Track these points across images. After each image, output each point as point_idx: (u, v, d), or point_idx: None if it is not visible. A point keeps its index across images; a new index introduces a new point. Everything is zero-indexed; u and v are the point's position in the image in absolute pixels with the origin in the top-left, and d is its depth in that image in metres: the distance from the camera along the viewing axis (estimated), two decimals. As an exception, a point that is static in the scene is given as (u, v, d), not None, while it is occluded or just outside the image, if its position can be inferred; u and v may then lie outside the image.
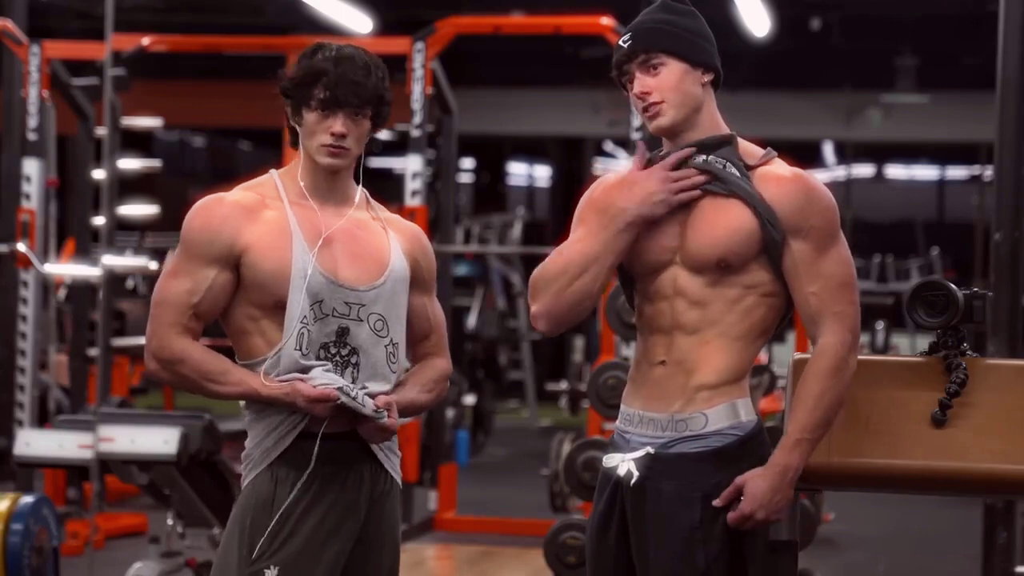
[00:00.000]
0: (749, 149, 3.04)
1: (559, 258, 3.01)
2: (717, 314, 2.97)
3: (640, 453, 2.99)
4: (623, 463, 3.00)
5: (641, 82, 3.01)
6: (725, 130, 3.05)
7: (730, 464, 2.95)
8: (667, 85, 3.00)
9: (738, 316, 2.98)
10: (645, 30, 3.04)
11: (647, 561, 2.99)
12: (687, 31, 3.03)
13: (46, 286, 8.57)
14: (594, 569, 3.10)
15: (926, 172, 19.07)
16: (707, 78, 3.03)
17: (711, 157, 3.00)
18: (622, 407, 3.08)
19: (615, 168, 2.81)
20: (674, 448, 2.96)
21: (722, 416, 2.96)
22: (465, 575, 7.41)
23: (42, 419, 7.88)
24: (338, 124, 3.07)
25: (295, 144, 3.16)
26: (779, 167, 3.01)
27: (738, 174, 2.98)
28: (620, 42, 3.05)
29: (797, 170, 3.02)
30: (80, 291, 8.60)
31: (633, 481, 2.98)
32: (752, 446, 2.98)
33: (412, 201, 7.81)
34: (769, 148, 3.05)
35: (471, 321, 12.78)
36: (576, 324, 3.13)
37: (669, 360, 2.99)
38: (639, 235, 3.00)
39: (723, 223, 2.96)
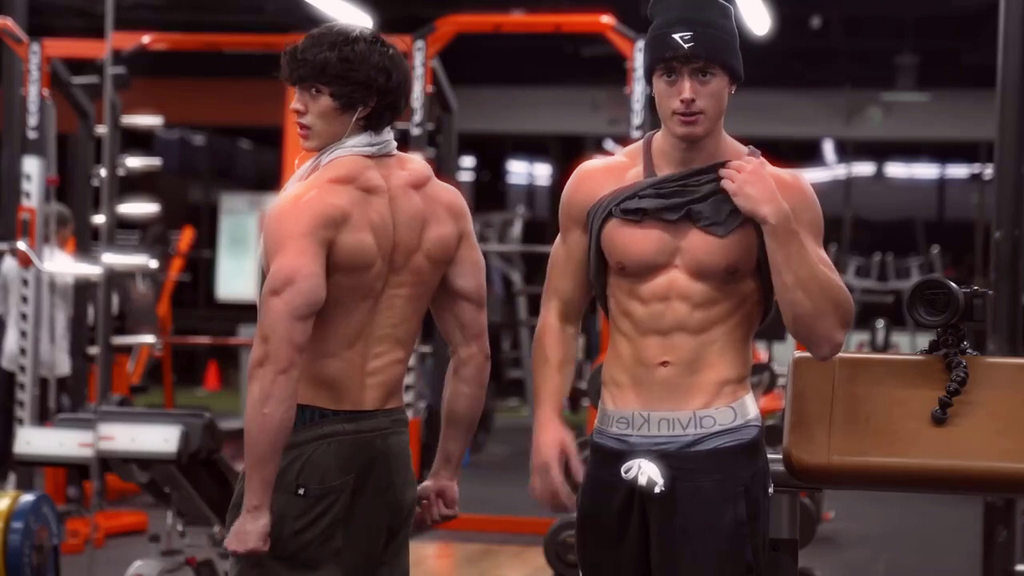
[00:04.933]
0: (734, 147, 3.01)
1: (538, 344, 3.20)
2: (723, 315, 2.96)
3: (649, 461, 2.95)
4: (642, 474, 2.94)
5: (691, 87, 2.92)
6: (729, 140, 3.02)
7: (759, 455, 2.97)
8: (712, 96, 2.94)
9: (740, 319, 2.98)
10: (707, 36, 2.93)
11: (678, 567, 2.92)
12: (735, 41, 2.98)
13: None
14: None
15: (926, 170, 19.06)
16: (734, 88, 3.00)
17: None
18: (610, 410, 3.03)
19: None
20: (704, 444, 2.93)
21: (747, 409, 2.97)
22: (465, 573, 7.40)
23: (42, 417, 7.87)
24: (295, 100, 3.03)
25: None
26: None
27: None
28: (676, 37, 2.92)
29: (788, 172, 3.00)
30: (80, 289, 8.60)
31: (659, 488, 2.93)
32: (764, 438, 3.02)
33: (412, 199, 7.78)
34: (752, 147, 3.01)
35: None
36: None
37: (674, 360, 2.95)
38: (632, 237, 2.98)
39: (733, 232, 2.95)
